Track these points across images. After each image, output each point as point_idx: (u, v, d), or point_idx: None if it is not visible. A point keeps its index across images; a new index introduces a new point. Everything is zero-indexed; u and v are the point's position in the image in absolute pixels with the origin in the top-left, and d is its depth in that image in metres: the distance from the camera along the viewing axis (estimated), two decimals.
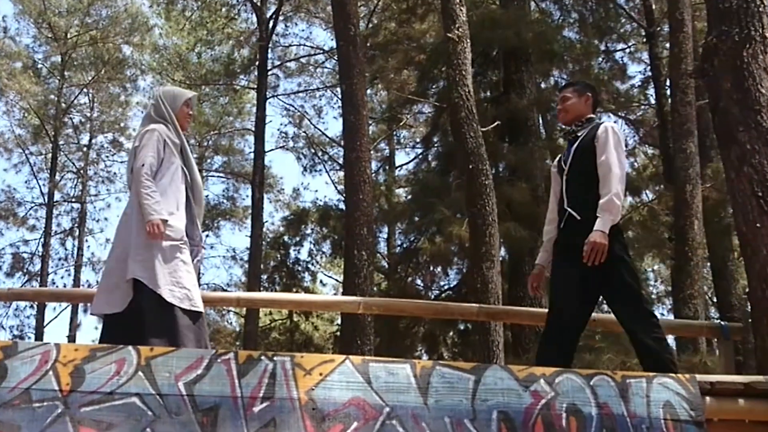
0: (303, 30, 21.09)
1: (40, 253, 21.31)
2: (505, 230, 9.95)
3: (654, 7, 14.38)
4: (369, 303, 5.85)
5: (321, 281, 21.25)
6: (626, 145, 16.00)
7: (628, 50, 15.69)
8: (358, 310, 5.74)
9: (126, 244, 3.98)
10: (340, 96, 13.00)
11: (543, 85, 13.68)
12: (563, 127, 4.46)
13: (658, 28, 14.09)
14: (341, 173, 16.58)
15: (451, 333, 13.26)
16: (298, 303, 8.97)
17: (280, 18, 19.92)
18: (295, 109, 21.40)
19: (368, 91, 15.59)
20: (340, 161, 17.17)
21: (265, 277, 18.35)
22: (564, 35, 14.02)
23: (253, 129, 19.94)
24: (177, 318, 3.82)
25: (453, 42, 8.42)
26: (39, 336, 19.70)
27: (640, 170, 15.55)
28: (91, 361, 3.09)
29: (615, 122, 16.44)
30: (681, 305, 10.48)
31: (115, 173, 23.56)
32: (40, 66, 22.64)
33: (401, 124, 18.02)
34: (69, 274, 22.09)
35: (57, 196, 22.47)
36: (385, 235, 17.62)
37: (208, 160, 23.62)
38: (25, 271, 21.35)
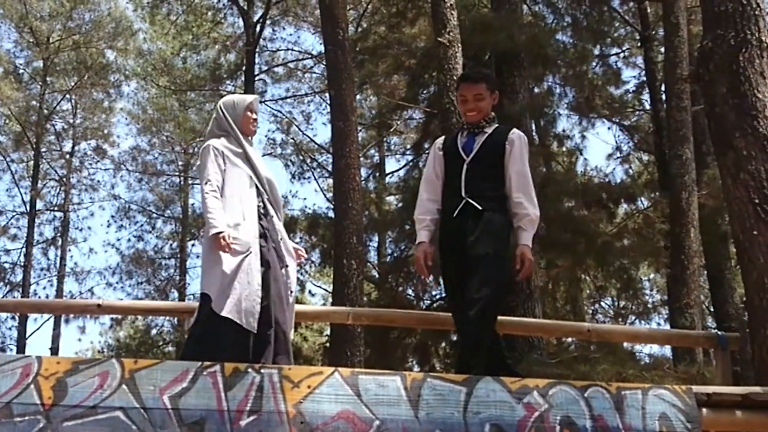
0: (291, 34, 20.95)
1: (22, 263, 20.99)
2: None
3: (649, 10, 14.34)
4: (359, 313, 5.85)
5: (310, 291, 21.05)
6: (621, 151, 15.92)
7: (622, 55, 15.67)
8: (347, 321, 5.62)
9: None
10: (328, 102, 12.79)
11: (536, 90, 13.53)
12: (468, 123, 4.25)
13: (653, 32, 14.02)
14: (330, 180, 16.36)
15: (443, 344, 13.11)
16: None
17: (268, 22, 19.74)
18: (283, 115, 21.26)
19: (357, 97, 15.40)
20: (329, 168, 16.93)
21: None
22: (557, 39, 13.90)
23: None
24: (221, 329, 3.72)
25: (444, 46, 8.37)
26: (21, 348, 19.37)
27: (635, 177, 15.44)
28: (73, 374, 3.06)
29: (609, 128, 16.36)
30: (677, 315, 10.45)
31: (98, 181, 23.33)
32: (21, 71, 22.37)
33: (391, 130, 17.89)
34: (51, 285, 21.84)
35: (39, 205, 22.17)
36: (376, 244, 17.41)
37: (194, 168, 23.35)
38: (6, 281, 21.03)
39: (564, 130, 14.95)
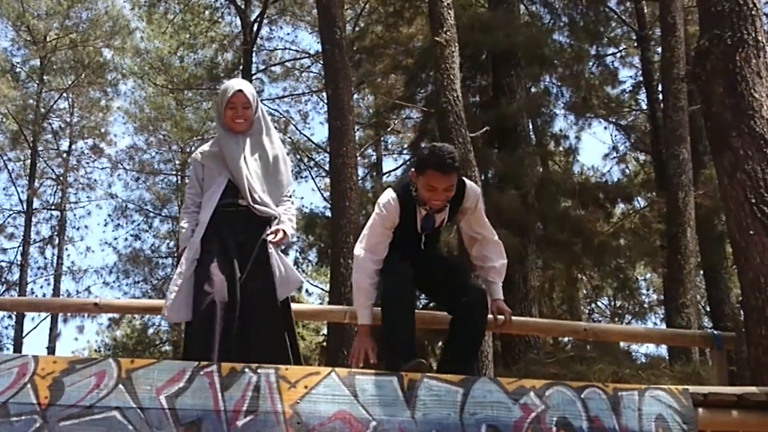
0: (288, 33, 20.93)
1: (19, 262, 20.92)
2: None
3: (645, 10, 14.35)
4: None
5: (307, 290, 21.03)
6: (617, 151, 15.95)
7: (619, 54, 15.66)
8: (344, 320, 5.55)
9: None
10: (325, 101, 12.78)
11: (533, 90, 13.54)
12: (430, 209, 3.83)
13: (650, 32, 14.02)
14: (327, 180, 16.32)
15: (440, 343, 13.04)
16: None
17: (265, 21, 19.68)
18: (280, 114, 21.18)
19: (355, 96, 15.39)
20: (326, 167, 16.89)
21: None
22: (554, 39, 13.92)
23: None
24: (186, 331, 3.82)
25: (441, 46, 8.34)
26: (18, 347, 19.31)
27: (632, 177, 15.46)
28: (70, 373, 3.05)
29: (605, 128, 16.39)
30: (673, 314, 10.46)
31: (95, 180, 23.26)
32: (18, 70, 22.26)
33: (388, 129, 17.86)
34: (48, 284, 21.71)
35: (36, 204, 22.09)
36: None
37: (192, 167, 23.28)
38: (3, 280, 20.95)
39: (561, 130, 14.99)
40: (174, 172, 23.06)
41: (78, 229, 22.85)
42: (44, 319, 20.73)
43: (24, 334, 20.20)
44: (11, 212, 21.89)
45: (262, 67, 20.55)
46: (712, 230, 12.52)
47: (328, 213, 14.64)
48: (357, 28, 16.75)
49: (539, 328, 6.37)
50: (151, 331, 20.94)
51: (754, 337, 4.23)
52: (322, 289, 20.40)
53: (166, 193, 22.97)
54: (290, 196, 4.17)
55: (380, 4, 15.57)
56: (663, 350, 13.00)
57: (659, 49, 12.73)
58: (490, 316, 3.96)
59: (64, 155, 22.80)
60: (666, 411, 3.38)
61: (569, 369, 8.76)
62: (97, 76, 22.20)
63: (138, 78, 21.95)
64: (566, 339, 12.40)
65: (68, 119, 22.90)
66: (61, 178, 22.49)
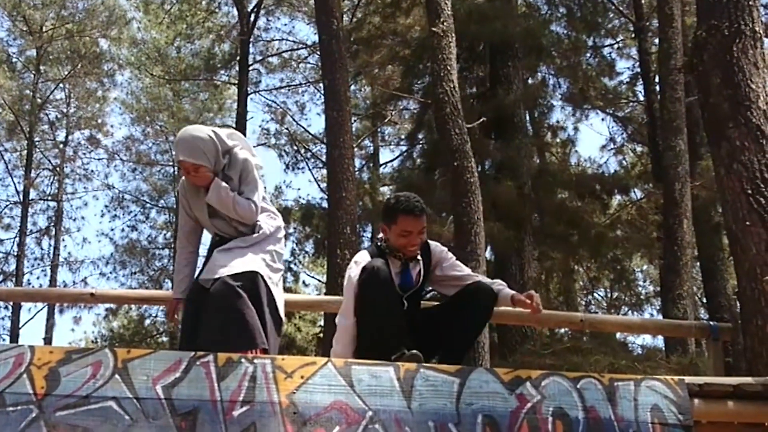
0: (285, 24, 20.83)
1: (15, 253, 20.92)
2: (490, 229, 9.77)
3: (643, 1, 14.29)
4: None
5: (303, 281, 21.04)
6: (614, 143, 15.95)
7: (616, 45, 15.61)
8: None
9: None
10: (322, 92, 12.75)
11: (530, 81, 13.52)
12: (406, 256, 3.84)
13: (647, 23, 13.97)
14: (324, 171, 16.30)
15: None
16: None
17: (262, 12, 19.64)
18: (277, 105, 21.20)
19: (352, 87, 15.36)
20: (323, 159, 16.90)
21: None
22: (552, 30, 13.88)
23: (234, 125, 19.61)
24: None
25: (438, 36, 8.32)
26: (14, 338, 19.30)
27: (629, 168, 15.46)
28: (66, 363, 3.04)
29: (603, 119, 16.36)
30: (670, 305, 10.48)
31: (92, 171, 23.23)
32: (14, 60, 22.16)
33: (385, 120, 17.85)
34: (45, 274, 21.72)
35: (32, 194, 22.07)
36: (369, 234, 17.38)
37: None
38: None
39: (558, 121, 14.99)
40: (171, 163, 23.02)
41: (75, 219, 22.88)
42: (41, 309, 20.79)
43: (20, 325, 20.22)
44: (8, 203, 21.92)
45: (259, 57, 20.53)
46: (708, 221, 12.53)
47: (325, 204, 14.63)
48: (354, 19, 16.71)
49: (535, 319, 6.38)
50: (147, 322, 20.97)
51: (750, 327, 4.24)
52: (319, 280, 20.43)
53: (163, 184, 22.95)
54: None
55: None
56: (659, 341, 13.02)
57: (656, 40, 12.71)
58: (518, 309, 3.91)
59: (61, 146, 22.76)
60: (662, 401, 3.38)
61: (565, 360, 8.78)
62: (94, 67, 22.11)
63: (135, 68, 21.88)
64: (563, 330, 12.41)
65: (65, 110, 22.86)
66: (57, 168, 22.45)
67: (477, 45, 12.55)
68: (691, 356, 9.61)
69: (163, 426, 2.95)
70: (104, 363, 3.05)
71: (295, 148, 20.57)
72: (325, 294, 11.52)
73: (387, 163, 19.43)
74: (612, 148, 16.00)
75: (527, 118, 13.32)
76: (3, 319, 20.63)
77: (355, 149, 14.01)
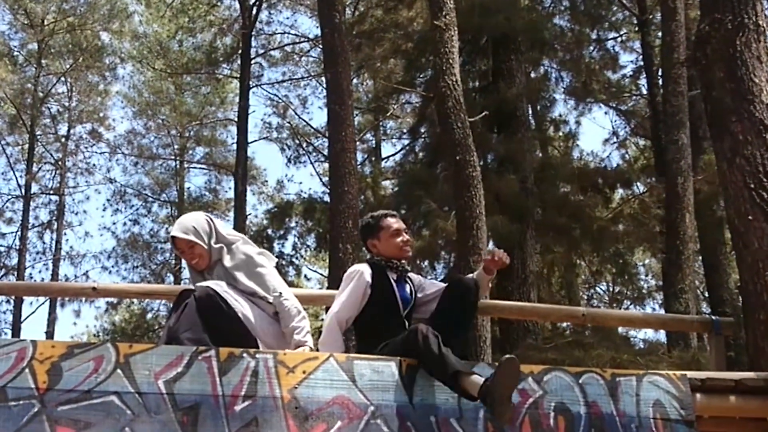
0: (287, 17, 20.93)
1: (17, 247, 20.88)
2: (492, 223, 9.75)
3: None
4: None
5: (305, 275, 21.06)
6: (617, 136, 15.90)
7: (619, 39, 15.56)
8: None
9: None
10: (325, 85, 12.73)
11: (533, 74, 13.47)
12: (402, 262, 3.94)
13: (651, 17, 13.91)
14: (326, 165, 16.28)
15: None
16: None
17: (264, 5, 19.61)
18: (279, 98, 21.17)
19: (354, 81, 15.33)
20: (325, 152, 16.84)
21: None
22: (555, 23, 13.82)
23: (236, 119, 19.64)
24: None
25: (440, 30, 8.28)
26: (16, 332, 19.32)
27: (632, 162, 15.40)
28: (68, 358, 3.04)
29: (605, 113, 16.33)
30: (672, 300, 10.47)
31: (94, 165, 23.21)
32: (16, 54, 22.13)
33: (388, 114, 17.81)
34: (47, 268, 21.70)
35: (34, 188, 22.05)
36: None
37: (190, 152, 23.29)
38: (1, 265, 20.96)
39: (560, 115, 14.95)
40: (173, 157, 23.03)
41: (76, 213, 22.88)
42: (42, 303, 20.78)
43: (22, 319, 20.22)
44: (9, 197, 21.92)
45: (261, 51, 20.50)
46: (711, 215, 12.49)
47: (327, 198, 14.64)
48: (356, 12, 16.66)
49: (537, 313, 6.36)
50: (149, 315, 20.98)
51: (752, 322, 4.23)
52: (321, 275, 20.44)
53: (165, 178, 22.95)
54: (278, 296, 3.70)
55: None
56: (661, 336, 13.04)
57: (660, 34, 12.65)
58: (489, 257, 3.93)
59: (63, 140, 22.75)
60: (664, 396, 3.39)
61: (567, 354, 8.77)
62: (96, 60, 22.08)
63: (136, 62, 21.84)
64: (565, 324, 12.43)
65: (66, 103, 22.83)
66: (59, 162, 22.43)
67: (479, 38, 12.49)
68: (693, 351, 9.59)
69: (165, 421, 2.96)
70: (106, 358, 3.06)
71: (297, 141, 20.56)
72: (327, 288, 11.51)
73: (389, 156, 19.45)
74: (615, 142, 15.96)
75: (530, 111, 13.30)
76: (5, 313, 20.70)
77: (357, 143, 13.99)
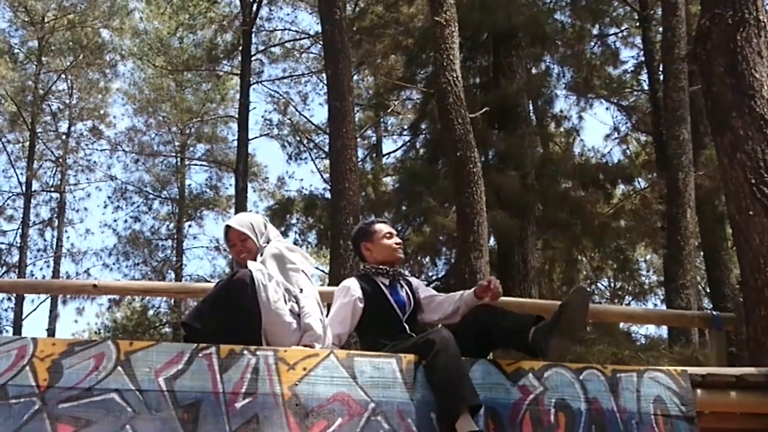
0: (288, 14, 20.77)
1: (18, 244, 20.90)
2: (493, 219, 9.76)
3: None
4: None
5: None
6: (618, 132, 15.87)
7: (620, 34, 15.51)
8: None
9: None
10: (325, 82, 12.71)
11: (534, 70, 13.45)
12: (395, 268, 3.90)
13: (652, 12, 13.89)
14: (327, 161, 16.27)
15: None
16: None
17: (264, 1, 19.57)
18: (280, 95, 21.17)
19: (355, 77, 15.32)
20: (326, 149, 16.85)
21: None
22: (555, 18, 13.80)
23: (237, 116, 19.64)
24: None
25: (441, 26, 8.26)
26: (17, 330, 19.34)
27: (633, 157, 15.37)
28: (69, 355, 3.04)
29: (607, 109, 16.29)
30: (673, 295, 10.48)
31: (95, 162, 23.20)
32: (16, 51, 22.13)
33: (388, 110, 17.80)
34: (48, 266, 21.71)
35: (35, 186, 22.04)
36: None
37: (191, 149, 23.30)
38: (2, 262, 20.96)
39: (561, 111, 14.93)
40: (174, 154, 23.03)
41: (77, 211, 22.89)
42: (44, 301, 20.78)
43: (23, 317, 20.24)
44: (10, 194, 21.91)
45: (261, 47, 20.47)
46: (712, 211, 12.48)
47: (328, 195, 14.62)
48: (357, 8, 16.62)
49: (538, 309, 6.35)
50: (150, 312, 20.98)
51: (753, 317, 4.24)
52: (323, 271, 20.42)
53: (166, 175, 22.95)
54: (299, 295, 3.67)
55: None
56: (663, 331, 13.02)
57: (661, 29, 12.63)
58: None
59: (63, 137, 22.76)
60: (664, 392, 3.38)
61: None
62: (96, 57, 22.05)
63: (137, 59, 21.82)
64: None
65: (67, 101, 22.82)
66: (60, 159, 22.44)
67: (480, 34, 12.48)
68: (694, 346, 9.60)
69: (166, 418, 2.95)
70: (107, 355, 3.06)
71: (298, 138, 20.55)
72: (328, 284, 11.51)
73: (390, 153, 19.42)
74: (616, 138, 15.92)
75: (531, 107, 13.28)
76: (6, 310, 20.71)
77: (358, 139, 13.98)
